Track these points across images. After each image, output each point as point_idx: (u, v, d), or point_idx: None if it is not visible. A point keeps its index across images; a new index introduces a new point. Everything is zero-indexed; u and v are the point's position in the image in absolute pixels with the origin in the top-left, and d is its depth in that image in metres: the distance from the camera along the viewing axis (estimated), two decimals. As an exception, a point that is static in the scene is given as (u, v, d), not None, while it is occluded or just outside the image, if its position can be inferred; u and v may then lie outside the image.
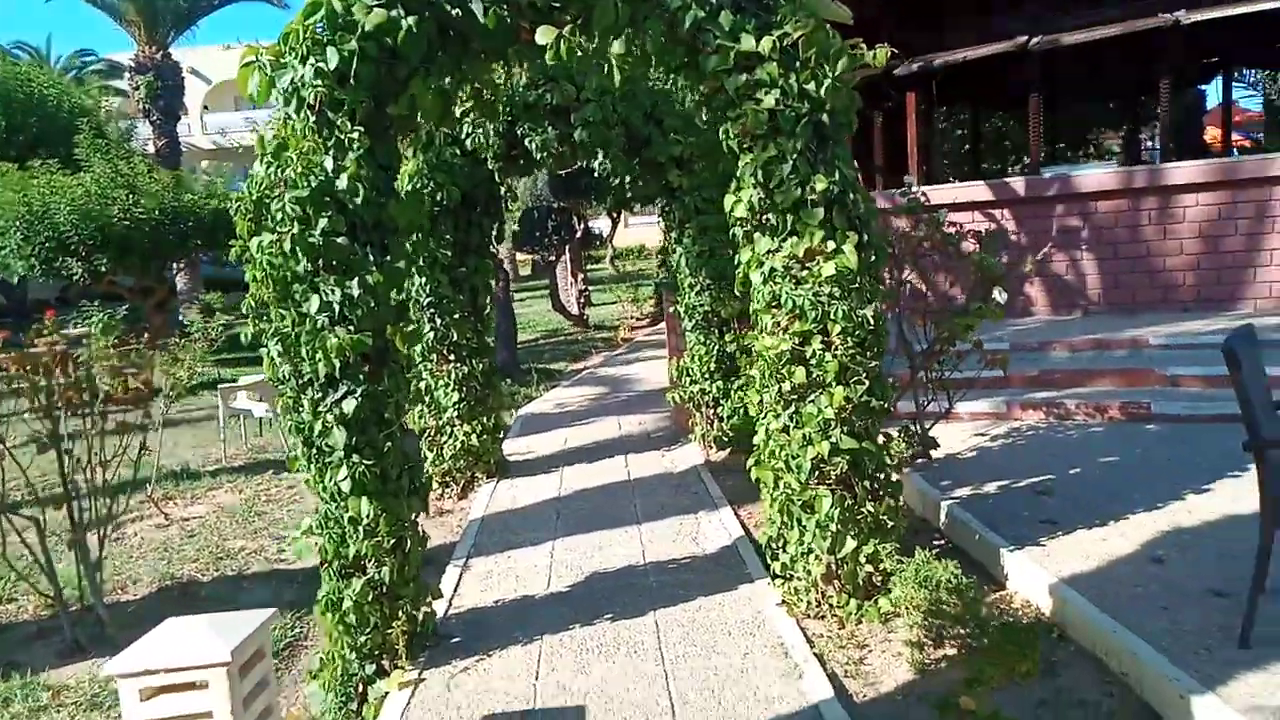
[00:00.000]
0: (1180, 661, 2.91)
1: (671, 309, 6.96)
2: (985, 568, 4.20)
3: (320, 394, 3.49)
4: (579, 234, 19.12)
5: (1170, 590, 3.49)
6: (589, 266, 25.99)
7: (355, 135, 3.37)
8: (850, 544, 3.67)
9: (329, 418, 3.47)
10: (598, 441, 7.81)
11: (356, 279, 3.41)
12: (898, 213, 3.91)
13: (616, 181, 11.31)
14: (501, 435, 7.00)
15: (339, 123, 3.38)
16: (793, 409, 3.69)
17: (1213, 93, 18.64)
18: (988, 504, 4.70)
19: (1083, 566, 3.81)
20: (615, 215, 26.44)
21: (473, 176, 6.49)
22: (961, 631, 3.35)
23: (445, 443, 6.64)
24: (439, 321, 6.47)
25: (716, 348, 6.65)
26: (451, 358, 6.63)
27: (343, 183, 3.37)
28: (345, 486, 3.49)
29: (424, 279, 6.35)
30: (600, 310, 20.01)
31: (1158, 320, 7.44)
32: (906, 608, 3.47)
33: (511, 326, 12.53)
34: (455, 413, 6.62)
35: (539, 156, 6.37)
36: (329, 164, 3.39)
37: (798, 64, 3.53)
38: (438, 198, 6.25)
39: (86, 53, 33.76)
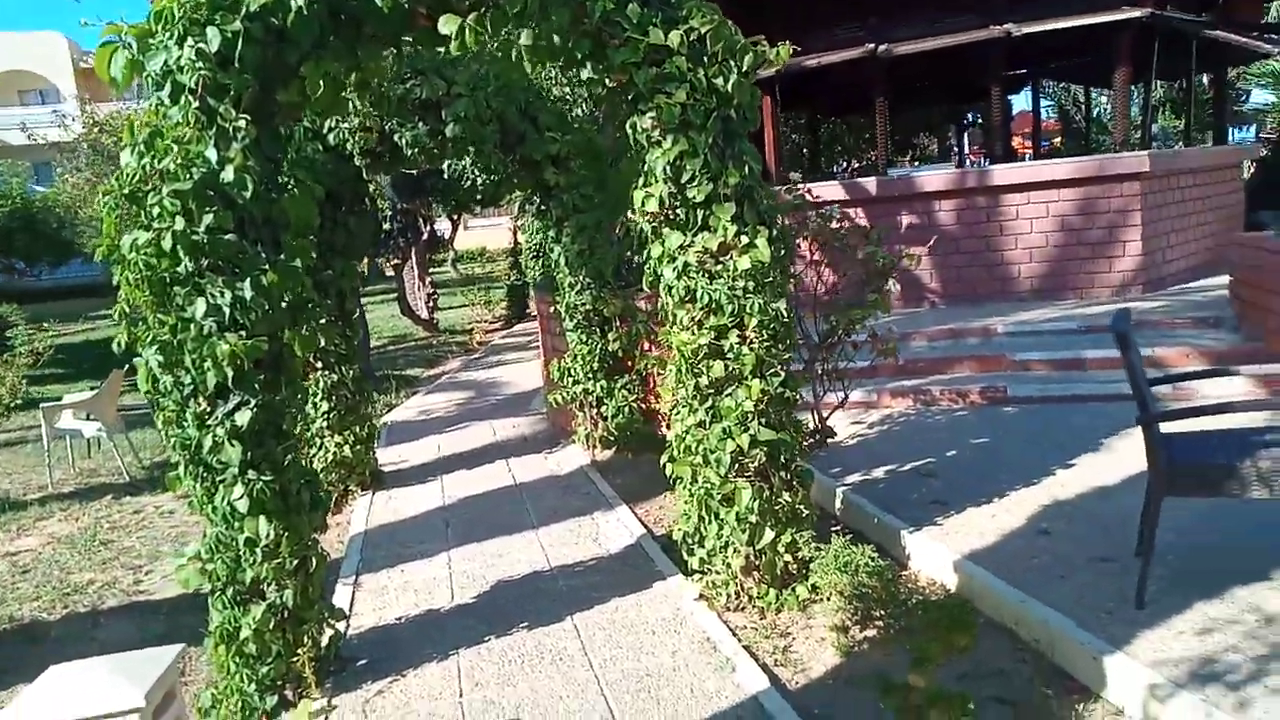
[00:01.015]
0: (1087, 625, 3.12)
1: (551, 309, 6.84)
2: (885, 549, 4.35)
3: (209, 406, 3.17)
4: (425, 236, 18.56)
5: (1061, 560, 3.74)
6: (431, 270, 25.32)
7: (241, 124, 3.08)
8: (769, 535, 3.72)
9: (220, 431, 3.15)
10: (474, 448, 7.58)
11: (249, 279, 3.12)
12: (781, 210, 3.98)
13: (482, 180, 11.07)
14: (375, 443, 6.66)
15: (222, 110, 3.08)
16: (710, 403, 3.70)
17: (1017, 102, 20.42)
18: (879, 489, 4.89)
19: (979, 543, 4.02)
20: (456, 217, 25.94)
21: (337, 174, 6.13)
22: (883, 613, 3.45)
23: (315, 455, 6.24)
24: (303, 329, 6.05)
25: (599, 347, 6.59)
26: (319, 365, 6.24)
27: (229, 175, 3.07)
28: (241, 506, 3.19)
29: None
30: (449, 314, 19.51)
31: (1000, 311, 8.02)
32: (830, 593, 3.55)
33: (364, 333, 11.97)
34: (325, 423, 6.24)
35: (409, 153, 6.10)
36: (212, 155, 3.08)
37: (705, 59, 3.53)
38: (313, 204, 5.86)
39: None
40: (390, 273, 18.35)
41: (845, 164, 21.28)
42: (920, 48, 8.39)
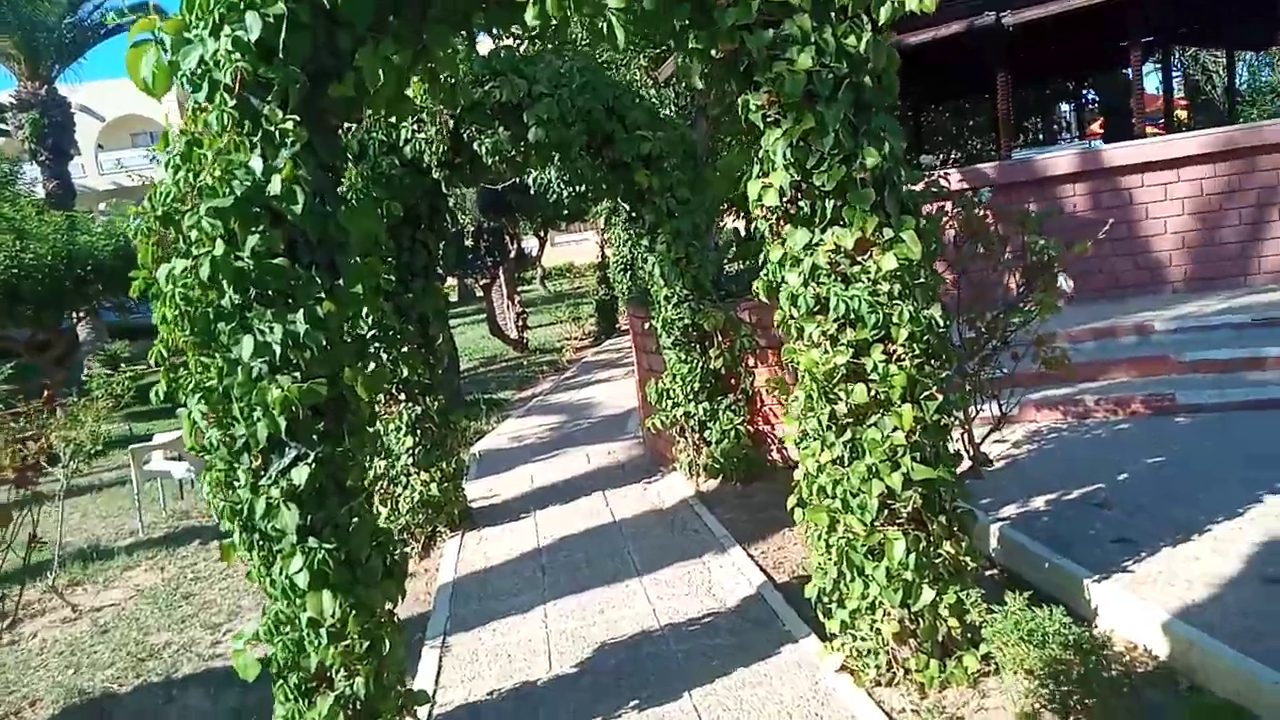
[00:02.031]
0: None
1: (646, 325, 6.28)
2: (1060, 600, 3.60)
3: (261, 462, 2.69)
4: (513, 254, 18.35)
5: (1311, 619, 2.94)
6: (519, 289, 25.23)
7: (289, 125, 2.60)
8: (928, 594, 3.03)
9: (274, 492, 2.67)
10: (568, 478, 7.06)
11: (302, 310, 2.63)
12: (923, 198, 3.29)
13: (568, 193, 10.61)
14: (464, 479, 6.20)
15: (267, 110, 2.61)
16: (849, 435, 3.05)
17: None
18: (1042, 523, 4.13)
19: (1188, 596, 3.25)
20: (543, 234, 25.80)
21: (414, 189, 5.73)
22: (1088, 701, 2.72)
23: (400, 494, 5.82)
24: (385, 357, 5.65)
25: (699, 365, 5.99)
26: (402, 397, 5.82)
27: (276, 187, 2.59)
28: (301, 580, 2.69)
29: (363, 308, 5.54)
30: (539, 333, 19.20)
31: (1152, 305, 7.07)
32: (1013, 669, 2.84)
33: (454, 354, 11.68)
34: (410, 459, 5.82)
35: (489, 162, 5.64)
36: (257, 164, 2.61)
37: (832, 15, 2.91)
38: (379, 216, 5.47)
39: (-39, 91, 31.55)
40: (480, 293, 18.19)
41: (943, 156, 20.15)
42: (1050, 11, 7.51)
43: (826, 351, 3.02)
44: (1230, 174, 7.27)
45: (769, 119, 3.01)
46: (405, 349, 5.70)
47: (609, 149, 5.78)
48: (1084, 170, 7.68)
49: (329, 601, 2.73)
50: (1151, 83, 19.03)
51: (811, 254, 3.03)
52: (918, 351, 2.94)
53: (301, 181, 2.64)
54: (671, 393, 6.12)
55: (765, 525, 5.15)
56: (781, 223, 3.18)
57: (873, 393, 2.96)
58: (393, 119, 5.56)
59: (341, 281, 2.75)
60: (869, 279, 2.93)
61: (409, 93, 4.99)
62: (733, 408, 6.02)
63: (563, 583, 4.74)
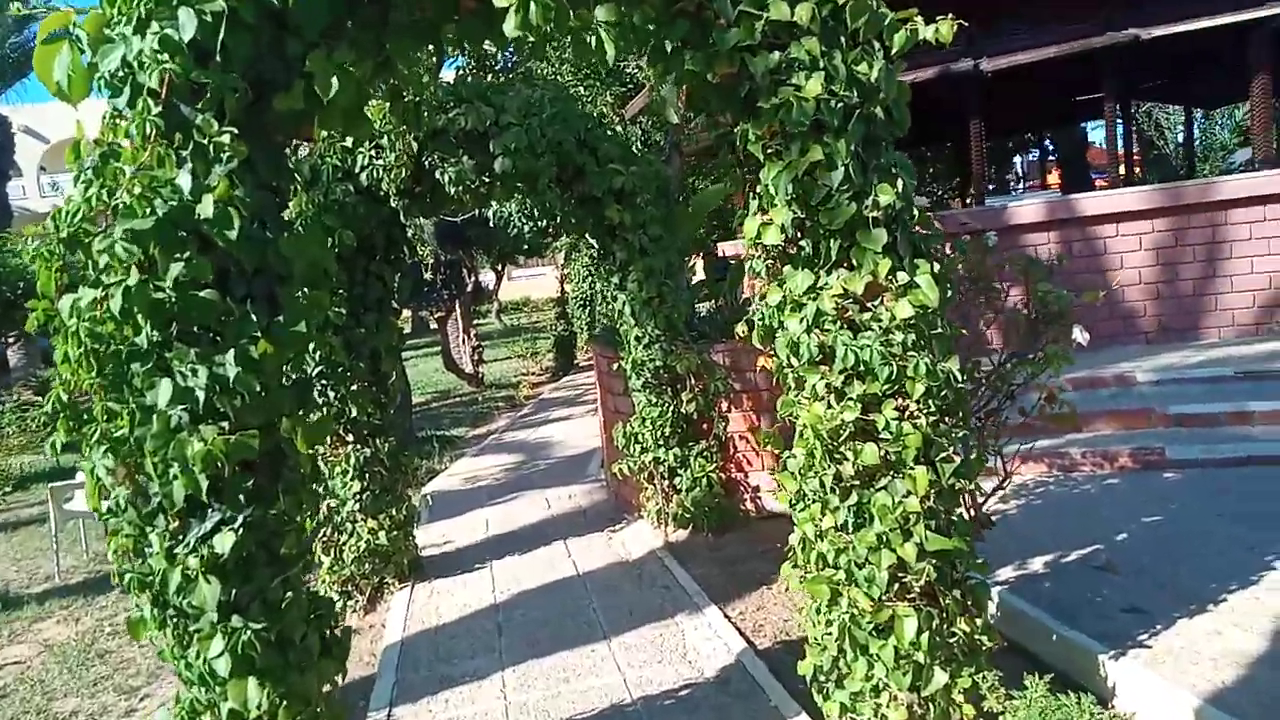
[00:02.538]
0: None
1: (615, 366, 5.95)
2: (1068, 674, 3.32)
3: (178, 527, 2.29)
4: (470, 287, 17.94)
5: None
6: (475, 322, 24.81)
7: (225, 139, 2.24)
8: (940, 677, 2.71)
9: (192, 563, 2.27)
10: (527, 524, 6.65)
11: (232, 351, 2.25)
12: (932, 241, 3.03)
13: (529, 228, 10.30)
14: (414, 526, 5.76)
15: (199, 120, 2.24)
16: (855, 499, 2.73)
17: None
18: (1043, 587, 3.86)
19: (1215, 677, 2.97)
20: (500, 267, 25.44)
21: (369, 218, 5.35)
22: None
23: (345, 543, 5.37)
24: (332, 395, 5.24)
25: (671, 409, 5.66)
26: (350, 438, 5.40)
27: (207, 208, 2.22)
28: (222, 666, 2.28)
29: (310, 344, 5.12)
30: (495, 367, 18.75)
31: (1128, 355, 6.93)
32: (1039, 769, 2.53)
33: (406, 390, 11.21)
34: (356, 505, 5.37)
35: (452, 192, 5.29)
36: (185, 181, 2.24)
37: (843, 40, 2.65)
38: (328, 244, 5.08)
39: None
40: (434, 325, 17.73)
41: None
42: (1029, 59, 7.44)
43: (831, 406, 2.71)
44: (1200, 226, 7.23)
45: (770, 150, 2.73)
46: (355, 387, 5.29)
47: (579, 182, 5.48)
48: (1056, 219, 7.59)
49: (255, 690, 2.32)
50: (1098, 137, 19.47)
51: (815, 298, 2.73)
52: (933, 408, 2.65)
53: (238, 203, 2.27)
54: (640, 437, 5.78)
55: (741, 582, 4.81)
56: (779, 264, 2.90)
57: (884, 453, 2.65)
58: (349, 143, 5.21)
59: (282, 318, 2.37)
60: (880, 327, 2.64)
61: (368, 114, 4.66)
62: (705, 454, 5.69)
63: (522, 645, 4.33)
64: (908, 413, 2.66)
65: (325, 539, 5.36)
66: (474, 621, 4.78)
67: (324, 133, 3.05)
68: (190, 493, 2.22)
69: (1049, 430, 5.78)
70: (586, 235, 5.98)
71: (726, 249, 10.61)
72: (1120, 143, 12.56)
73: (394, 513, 5.49)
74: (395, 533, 5.45)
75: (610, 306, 6.04)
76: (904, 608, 2.69)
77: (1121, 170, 12.31)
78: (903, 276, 2.64)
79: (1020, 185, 23.42)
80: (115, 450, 2.27)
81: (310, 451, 2.43)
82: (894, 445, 2.64)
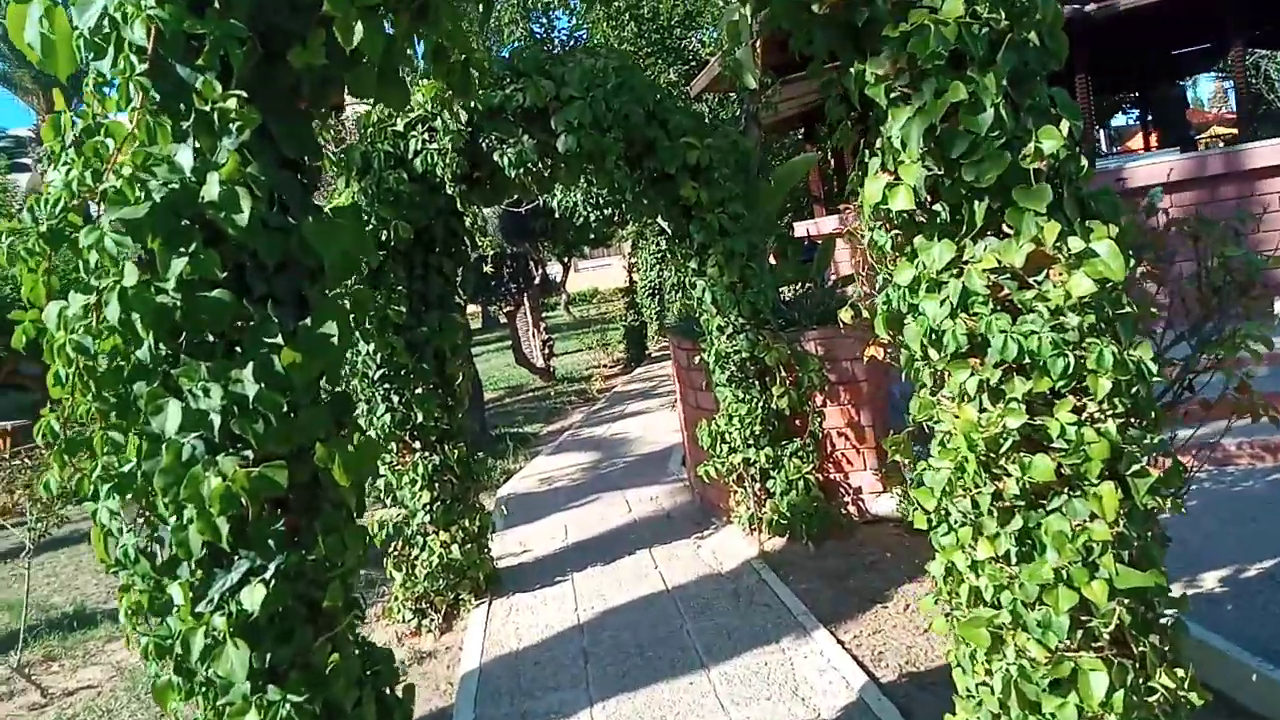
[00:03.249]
0: None
1: (695, 358, 5.46)
2: (1271, 722, 2.72)
3: (199, 582, 1.90)
4: (537, 280, 17.65)
5: None
6: (544, 315, 24.63)
7: (231, 104, 1.82)
8: (1135, 743, 2.16)
9: (217, 622, 1.87)
10: (608, 529, 6.23)
11: (251, 364, 1.84)
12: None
13: (595, 217, 9.88)
14: (489, 536, 5.38)
15: (200, 83, 1.83)
16: (1020, 524, 2.19)
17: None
18: (1224, 611, 3.25)
19: None
20: (566, 260, 25.16)
21: (426, 207, 4.97)
22: None
23: (418, 558, 5.01)
24: (396, 400, 4.88)
25: (760, 405, 5.14)
26: (417, 445, 5.03)
27: (213, 190, 1.81)
28: (256, 748, 1.88)
29: (371, 345, 4.78)
30: (565, 360, 18.48)
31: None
32: None
33: (477, 387, 10.92)
34: (428, 517, 5.01)
35: (512, 175, 4.86)
36: (185, 158, 1.84)
37: (988, -53, 2.10)
38: (383, 237, 4.72)
39: (-7, 130, 31.50)
40: (504, 320, 17.51)
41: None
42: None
43: (985, 409, 2.17)
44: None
45: (895, 94, 2.19)
46: (419, 390, 4.93)
47: (649, 158, 4.99)
48: (1190, 178, 6.77)
49: (295, 780, 1.91)
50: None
51: (959, 274, 2.19)
52: (1120, 408, 2.09)
53: (251, 182, 1.86)
54: (727, 436, 5.28)
55: (851, 600, 4.29)
56: (908, 234, 2.36)
57: (1058, 466, 2.10)
58: (400, 126, 4.83)
59: (309, 321, 1.95)
60: (1048, 309, 2.09)
61: (415, 90, 4.22)
62: (800, 454, 5.17)
63: (611, 675, 3.89)
64: (1087, 415, 2.11)
65: (397, 553, 5.02)
66: (558, 645, 4.36)
67: (364, 107, 2.63)
68: (209, 539, 1.81)
69: (1193, 417, 5.10)
70: (659, 218, 5.49)
71: (805, 228, 9.99)
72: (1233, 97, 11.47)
73: (467, 523, 5.12)
74: (470, 545, 5.08)
75: (687, 294, 5.55)
76: (1089, 659, 2.14)
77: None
78: (1075, 243, 2.07)
79: (1110, 149, 21.93)
80: (121, 489, 1.88)
81: (350, 482, 2.00)
82: (1072, 457, 2.09)
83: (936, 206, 2.27)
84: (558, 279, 28.38)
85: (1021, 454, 2.13)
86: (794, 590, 4.49)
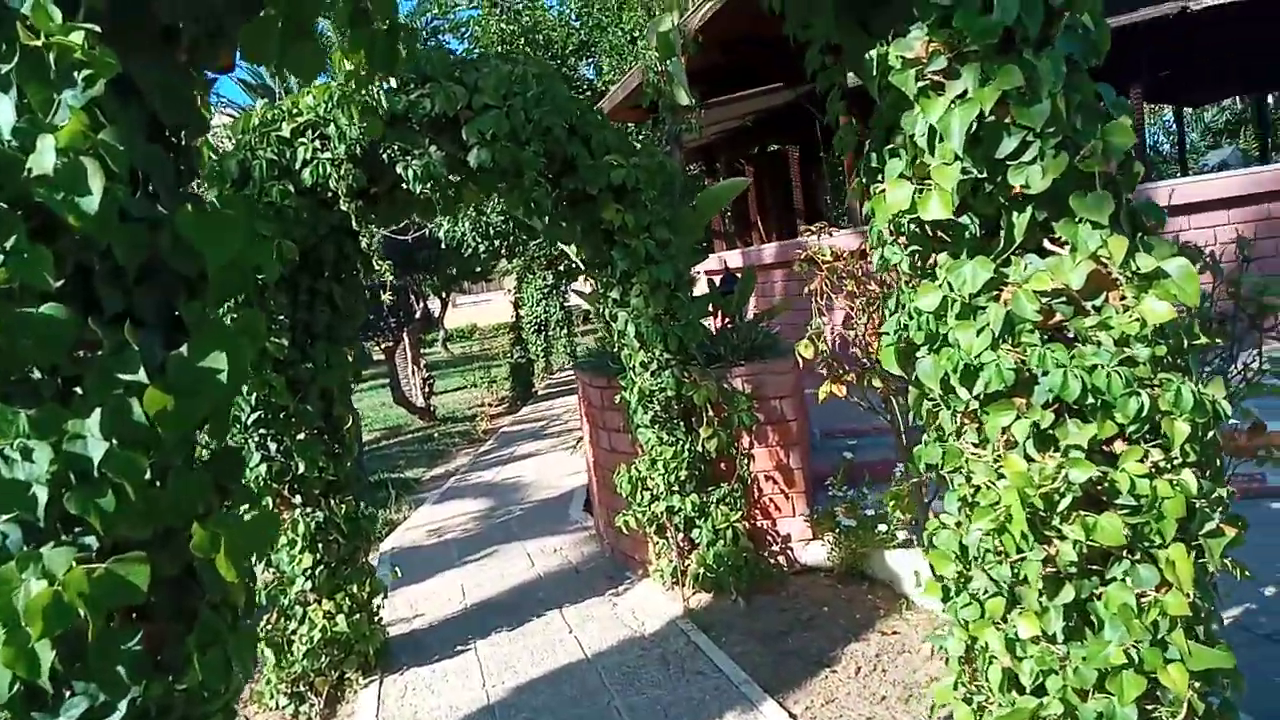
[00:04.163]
0: None
1: (614, 397, 5.01)
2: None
3: (6, 729, 1.29)
4: (418, 314, 16.84)
5: None
6: (423, 351, 23.63)
7: (77, 41, 1.27)
8: None
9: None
10: (510, 587, 5.64)
11: (98, 410, 1.27)
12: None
13: (485, 248, 9.32)
14: (379, 604, 4.70)
15: (29, 6, 1.27)
16: (1072, 595, 1.84)
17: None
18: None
19: None
20: (446, 294, 24.30)
21: (315, 225, 4.36)
22: None
23: (295, 632, 4.30)
24: (274, 448, 4.21)
25: (686, 447, 4.73)
26: (297, 500, 4.35)
27: (44, 161, 1.25)
28: None
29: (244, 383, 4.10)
30: (446, 399, 17.67)
31: None
32: None
33: (357, 431, 10.08)
34: (309, 584, 4.32)
35: (417, 190, 4.32)
36: (3, 112, 1.27)
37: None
38: (254, 227, 4.06)
39: None
40: (379, 356, 16.56)
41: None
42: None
43: (1040, 460, 1.82)
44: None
45: (926, 77, 1.85)
46: (301, 436, 4.27)
47: (570, 177, 4.55)
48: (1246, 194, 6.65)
49: None
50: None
51: (1010, 296, 1.85)
52: (1194, 458, 1.78)
53: (105, 153, 1.30)
54: (649, 482, 4.83)
55: (793, 663, 3.90)
56: (928, 250, 2.01)
57: (1128, 528, 1.77)
58: (285, 132, 4.22)
59: (186, 351, 1.39)
60: (1112, 338, 1.77)
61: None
62: (728, 500, 4.78)
63: (532, 769, 3.34)
64: (1151, 463, 1.79)
65: (270, 628, 4.30)
66: (464, 730, 3.77)
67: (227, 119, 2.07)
68: (23, 674, 1.22)
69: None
70: (576, 242, 5.06)
71: (727, 258, 9.76)
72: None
73: (355, 589, 4.45)
74: (357, 615, 4.40)
75: (606, 327, 5.11)
76: (1158, 757, 1.80)
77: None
78: (1145, 261, 1.76)
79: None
80: (-115, 596, 1.26)
81: (237, 577, 1.44)
82: (1142, 516, 1.76)
83: (964, 219, 1.92)
84: (435, 314, 27.46)
85: (1082, 514, 1.78)
86: (729, 654, 4.06)
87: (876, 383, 3.20)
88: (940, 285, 1.94)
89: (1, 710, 1.29)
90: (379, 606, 4.63)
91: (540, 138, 4.29)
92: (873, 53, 1.91)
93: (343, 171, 4.21)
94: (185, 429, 1.35)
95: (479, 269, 15.71)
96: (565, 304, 18.65)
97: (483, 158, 4.18)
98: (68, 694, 1.28)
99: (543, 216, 4.57)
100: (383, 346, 15.64)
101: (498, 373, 18.16)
